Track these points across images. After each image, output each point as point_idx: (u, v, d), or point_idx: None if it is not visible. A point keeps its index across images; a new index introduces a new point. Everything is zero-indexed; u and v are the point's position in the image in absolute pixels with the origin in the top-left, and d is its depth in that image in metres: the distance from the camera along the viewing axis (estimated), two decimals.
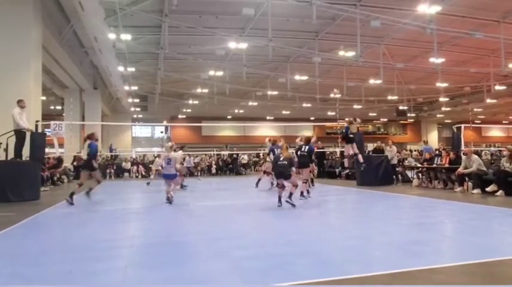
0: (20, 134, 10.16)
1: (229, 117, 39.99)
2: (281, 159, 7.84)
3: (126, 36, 16.66)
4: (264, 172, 13.14)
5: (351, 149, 11.69)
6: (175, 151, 10.19)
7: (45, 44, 15.63)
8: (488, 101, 32.29)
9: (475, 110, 37.87)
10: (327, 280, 3.28)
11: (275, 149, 11.53)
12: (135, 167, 23.13)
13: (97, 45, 17.72)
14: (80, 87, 26.75)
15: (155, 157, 19.60)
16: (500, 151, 13.61)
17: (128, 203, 10.07)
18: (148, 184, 14.61)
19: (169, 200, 8.71)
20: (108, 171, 21.93)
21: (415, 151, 22.74)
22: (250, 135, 40.53)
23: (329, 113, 39.40)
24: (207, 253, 4.39)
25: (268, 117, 40.16)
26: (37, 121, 11.35)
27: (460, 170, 10.41)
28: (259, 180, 12.76)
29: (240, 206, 8.99)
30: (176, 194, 9.16)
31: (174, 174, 8.73)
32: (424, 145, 17.47)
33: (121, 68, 21.57)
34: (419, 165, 13.46)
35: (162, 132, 42.04)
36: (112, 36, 16.17)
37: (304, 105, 34.95)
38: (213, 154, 26.98)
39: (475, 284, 3.16)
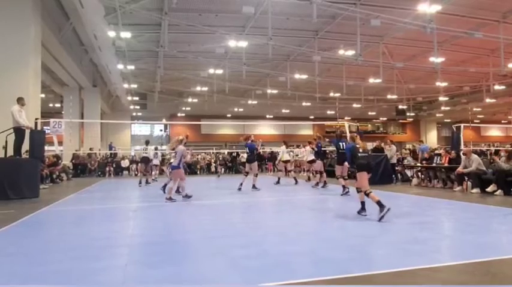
0: (19, 131, 10.14)
1: (228, 115, 39.98)
2: (360, 151, 6.64)
3: (126, 34, 16.64)
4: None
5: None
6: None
7: (44, 42, 15.58)
8: (488, 100, 32.34)
9: (474, 109, 37.93)
10: (327, 278, 3.28)
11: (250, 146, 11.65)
12: (134, 165, 23.09)
13: (96, 43, 17.69)
14: (79, 85, 26.69)
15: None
16: (499, 150, 13.58)
17: (127, 201, 10.06)
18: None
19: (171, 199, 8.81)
20: (107, 169, 21.97)
21: (408, 149, 22.62)
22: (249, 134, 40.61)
23: (328, 112, 39.47)
24: (207, 251, 4.39)
25: (268, 116, 40.16)
26: (36, 119, 11.34)
27: (460, 169, 10.43)
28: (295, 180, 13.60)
29: (239, 204, 8.99)
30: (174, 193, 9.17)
31: (174, 165, 8.90)
32: (422, 144, 17.41)
33: (120, 66, 21.55)
34: (418, 164, 13.47)
35: (161, 130, 42.01)
36: (112, 34, 16.15)
37: (304, 104, 34.99)
38: (213, 152, 26.95)
39: (475, 283, 3.17)
